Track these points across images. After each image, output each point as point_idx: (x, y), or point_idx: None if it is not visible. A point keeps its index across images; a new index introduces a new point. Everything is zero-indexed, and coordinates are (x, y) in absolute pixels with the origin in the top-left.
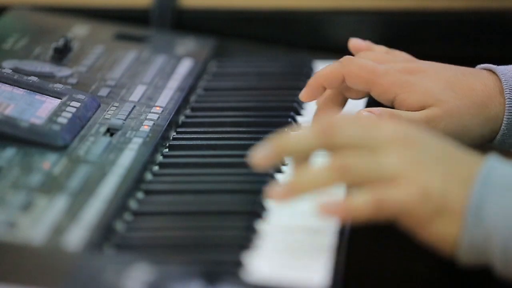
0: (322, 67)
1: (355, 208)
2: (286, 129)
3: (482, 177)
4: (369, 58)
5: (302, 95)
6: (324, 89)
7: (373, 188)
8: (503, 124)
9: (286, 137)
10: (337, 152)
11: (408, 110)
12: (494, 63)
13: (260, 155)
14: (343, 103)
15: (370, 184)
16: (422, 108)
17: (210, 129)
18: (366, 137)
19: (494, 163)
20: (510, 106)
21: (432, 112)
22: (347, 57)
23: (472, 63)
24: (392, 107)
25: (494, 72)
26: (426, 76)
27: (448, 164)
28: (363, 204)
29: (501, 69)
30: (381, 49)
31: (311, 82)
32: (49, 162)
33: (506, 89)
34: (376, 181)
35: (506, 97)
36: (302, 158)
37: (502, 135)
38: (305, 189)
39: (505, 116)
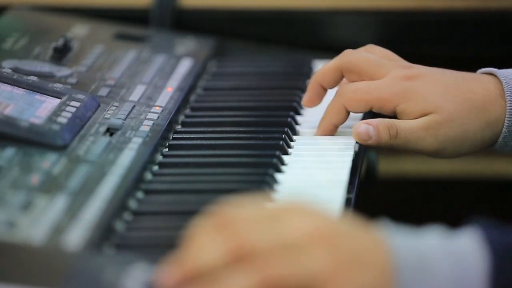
0: (317, 70)
1: None
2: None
3: (396, 272)
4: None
5: (305, 101)
6: (325, 91)
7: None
8: (504, 127)
9: (188, 255)
10: (254, 262)
11: (408, 119)
12: (494, 63)
13: (167, 277)
14: (339, 79)
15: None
16: (423, 115)
17: (210, 129)
18: (278, 236)
19: (398, 253)
20: (511, 109)
21: (432, 119)
22: (346, 50)
23: (472, 63)
24: (393, 117)
25: (495, 76)
26: (425, 82)
27: (365, 263)
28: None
29: (502, 72)
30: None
31: (311, 86)
32: (48, 162)
33: (507, 91)
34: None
35: (507, 100)
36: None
37: (504, 138)
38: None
39: (506, 119)
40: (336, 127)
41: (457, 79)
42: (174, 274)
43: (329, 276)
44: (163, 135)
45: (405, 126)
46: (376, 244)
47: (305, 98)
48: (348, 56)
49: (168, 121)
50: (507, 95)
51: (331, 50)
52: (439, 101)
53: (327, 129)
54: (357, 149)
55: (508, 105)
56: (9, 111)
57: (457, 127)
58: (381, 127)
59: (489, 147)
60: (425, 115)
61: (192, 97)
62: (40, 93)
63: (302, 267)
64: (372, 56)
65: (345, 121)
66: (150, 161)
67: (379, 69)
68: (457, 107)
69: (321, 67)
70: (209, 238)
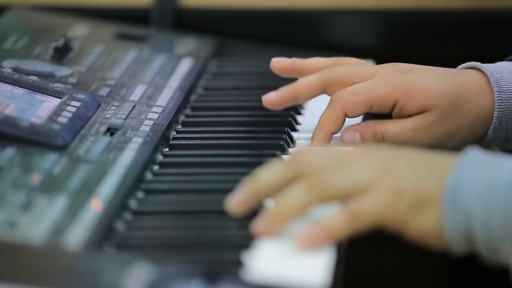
0: (299, 80)
1: (332, 227)
2: (257, 169)
3: (460, 164)
4: (354, 74)
5: (267, 99)
6: (296, 102)
7: (345, 204)
8: (494, 117)
9: (257, 177)
10: (307, 174)
11: (408, 115)
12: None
13: (236, 201)
14: (344, 120)
15: (344, 198)
16: (420, 112)
17: (210, 129)
18: (331, 156)
19: (473, 152)
20: (499, 99)
21: (425, 119)
22: (327, 67)
23: None
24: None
25: (479, 70)
26: (419, 75)
27: (419, 163)
28: (339, 220)
29: (484, 66)
30: (325, 60)
31: (284, 90)
32: (49, 162)
33: (493, 82)
34: (350, 194)
35: (495, 90)
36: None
37: (494, 129)
38: (287, 217)
39: (495, 109)
40: (333, 135)
41: (447, 73)
42: (240, 194)
43: (372, 181)
44: (164, 135)
45: (394, 129)
46: (445, 157)
47: (273, 98)
48: (330, 71)
49: (169, 121)
50: (494, 86)
51: (331, 50)
52: (436, 98)
53: (326, 138)
54: None
55: (496, 95)
56: (9, 111)
57: (450, 123)
58: (366, 134)
59: (479, 139)
60: (422, 112)
61: (193, 97)
62: (41, 93)
63: (349, 174)
64: (350, 65)
65: (341, 128)
66: (151, 160)
67: (364, 72)
68: (451, 102)
69: (301, 81)
70: (276, 166)
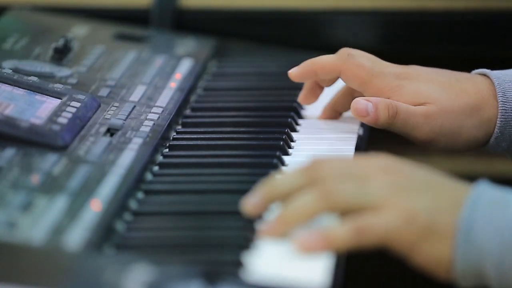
0: (319, 57)
1: (335, 238)
2: (272, 174)
3: (472, 198)
4: (367, 58)
5: (293, 72)
6: (315, 75)
7: (354, 217)
8: (496, 127)
9: (273, 181)
10: (322, 181)
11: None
12: (494, 63)
13: (251, 203)
14: (320, 92)
15: (354, 212)
16: (419, 103)
17: (210, 129)
18: (350, 167)
19: (484, 186)
20: (502, 109)
21: (429, 109)
22: (345, 50)
23: (472, 63)
24: None
25: (488, 77)
26: (420, 81)
27: (434, 189)
28: (342, 233)
29: (494, 73)
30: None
31: (306, 65)
32: (49, 162)
33: (499, 92)
34: (360, 208)
35: (499, 100)
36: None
37: (496, 138)
38: (294, 221)
39: (498, 119)
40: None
41: (451, 79)
42: (255, 196)
43: (385, 200)
44: (164, 136)
45: (406, 108)
46: (459, 185)
47: (295, 71)
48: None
49: (169, 121)
50: (499, 95)
51: (331, 50)
52: (433, 94)
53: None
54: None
55: (500, 105)
56: (9, 111)
57: (452, 120)
58: (380, 105)
59: (482, 146)
60: (421, 104)
61: (193, 98)
62: (41, 93)
63: (363, 189)
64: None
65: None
66: (151, 161)
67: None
68: (452, 103)
69: (320, 57)
70: (294, 172)
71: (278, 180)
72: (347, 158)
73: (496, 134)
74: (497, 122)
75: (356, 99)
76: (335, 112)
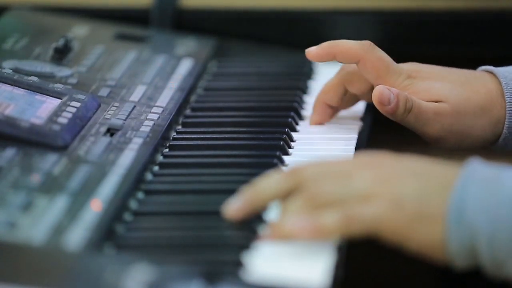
0: (340, 41)
1: (323, 225)
2: (256, 179)
3: (463, 177)
4: (386, 54)
5: (311, 51)
6: (333, 58)
7: (342, 206)
8: (504, 128)
9: (256, 186)
10: (306, 185)
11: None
12: (494, 63)
13: (233, 207)
14: (343, 95)
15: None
16: (433, 100)
17: (210, 129)
18: (331, 168)
19: (475, 164)
20: (510, 110)
21: (441, 106)
22: (368, 42)
23: (472, 63)
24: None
25: (494, 75)
26: (432, 79)
27: (421, 175)
28: (332, 221)
29: (501, 71)
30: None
31: (326, 46)
32: (49, 162)
33: (507, 92)
34: (348, 201)
35: (507, 101)
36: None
37: (504, 138)
38: (289, 232)
39: (506, 120)
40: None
41: (461, 78)
42: (238, 201)
43: (370, 191)
44: (164, 136)
45: (419, 103)
46: (449, 168)
47: (314, 50)
48: (347, 68)
49: (169, 121)
50: (507, 96)
51: None
52: (446, 92)
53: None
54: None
55: (507, 106)
56: (9, 111)
57: (463, 120)
58: (401, 97)
59: (490, 145)
60: (435, 101)
61: (193, 98)
62: (41, 93)
63: (348, 186)
64: (388, 58)
65: (338, 79)
66: (151, 161)
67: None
68: (464, 104)
69: (342, 41)
70: (275, 176)
71: (261, 185)
72: (327, 160)
73: (504, 134)
74: (506, 122)
75: (379, 86)
76: (326, 107)
